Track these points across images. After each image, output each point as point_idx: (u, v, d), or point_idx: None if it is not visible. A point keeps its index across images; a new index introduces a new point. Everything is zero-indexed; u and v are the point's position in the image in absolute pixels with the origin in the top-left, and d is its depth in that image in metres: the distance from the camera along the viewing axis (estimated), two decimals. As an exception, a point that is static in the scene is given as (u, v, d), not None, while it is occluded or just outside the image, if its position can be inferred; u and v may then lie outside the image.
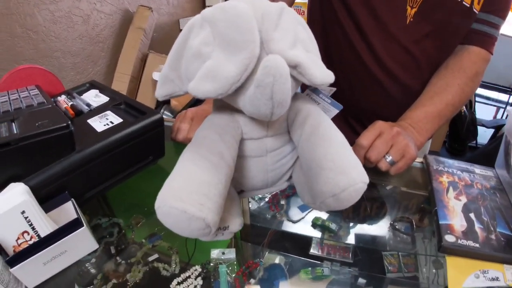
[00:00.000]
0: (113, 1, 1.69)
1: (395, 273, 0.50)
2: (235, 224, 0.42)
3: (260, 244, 0.55)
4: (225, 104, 0.42)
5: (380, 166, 0.58)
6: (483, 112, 2.60)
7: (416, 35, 0.70)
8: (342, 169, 0.36)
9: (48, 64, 1.35)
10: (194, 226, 0.33)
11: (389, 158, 0.57)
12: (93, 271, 0.49)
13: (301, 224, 0.58)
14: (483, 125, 2.37)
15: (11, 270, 0.43)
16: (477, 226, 0.51)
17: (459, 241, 0.49)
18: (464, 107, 2.26)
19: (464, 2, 0.66)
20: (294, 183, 0.49)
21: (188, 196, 0.33)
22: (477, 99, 2.55)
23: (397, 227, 0.57)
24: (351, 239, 0.56)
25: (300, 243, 0.56)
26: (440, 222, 0.51)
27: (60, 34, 1.37)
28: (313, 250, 0.53)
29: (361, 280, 0.49)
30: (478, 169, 0.64)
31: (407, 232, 0.56)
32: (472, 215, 0.53)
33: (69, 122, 0.49)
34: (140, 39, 1.82)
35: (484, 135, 2.54)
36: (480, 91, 2.73)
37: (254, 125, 0.41)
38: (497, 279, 0.47)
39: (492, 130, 2.39)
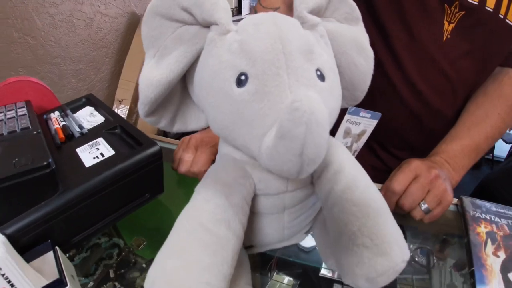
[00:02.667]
0: (118, 3, 1.62)
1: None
2: None
3: (265, 272, 0.48)
4: (233, 152, 0.34)
5: (414, 215, 0.50)
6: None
7: (453, 54, 0.61)
8: (382, 249, 0.28)
9: (47, 71, 1.28)
10: None
11: (424, 206, 0.49)
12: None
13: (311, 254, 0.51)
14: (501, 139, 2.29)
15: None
16: (515, 289, 0.45)
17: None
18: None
19: (507, 20, 0.58)
20: (314, 239, 0.42)
21: (183, 285, 0.25)
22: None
23: (416, 259, 0.52)
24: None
25: (310, 270, 0.49)
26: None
27: (61, 39, 1.31)
28: (323, 272, 0.48)
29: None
30: (516, 214, 0.56)
31: (426, 265, 0.52)
32: (510, 276, 0.47)
33: (50, 160, 0.42)
34: (145, 44, 1.75)
35: (500, 147, 2.50)
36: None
37: (270, 181, 0.33)
38: None
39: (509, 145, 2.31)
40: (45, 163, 0.42)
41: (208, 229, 0.28)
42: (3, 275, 0.39)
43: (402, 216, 0.53)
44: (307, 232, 0.43)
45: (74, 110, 0.70)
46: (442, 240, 0.57)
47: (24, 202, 0.43)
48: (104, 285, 0.47)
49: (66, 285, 0.41)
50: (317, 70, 0.28)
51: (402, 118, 0.70)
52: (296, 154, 0.23)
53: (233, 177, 0.32)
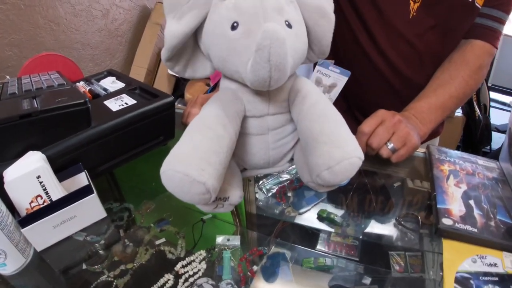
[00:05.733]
0: (131, -3, 1.74)
1: (401, 273, 0.49)
2: (235, 196, 0.44)
3: (264, 233, 0.55)
4: (230, 84, 0.44)
5: (381, 153, 0.59)
6: (498, 117, 2.55)
7: (419, 29, 0.71)
8: (337, 143, 0.38)
9: (67, 55, 1.38)
10: (195, 190, 0.35)
11: (390, 145, 0.58)
12: (101, 252, 0.50)
13: (307, 216, 0.58)
14: (497, 130, 2.32)
15: (22, 230, 0.45)
16: (476, 212, 0.51)
17: (456, 225, 0.49)
18: (478, 111, 2.22)
19: None
20: (295, 164, 0.51)
21: (190, 161, 0.35)
22: (492, 104, 2.50)
23: (402, 222, 0.56)
24: (356, 233, 0.55)
25: (306, 236, 0.56)
26: (438, 206, 0.52)
27: (80, 26, 1.43)
28: (319, 247, 0.53)
29: (366, 278, 0.48)
30: (482, 161, 0.64)
31: (412, 228, 0.55)
32: (471, 202, 0.54)
33: (87, 99, 0.52)
34: (157, 35, 1.87)
35: (498, 141, 2.47)
36: (495, 96, 2.68)
37: (256, 102, 0.44)
38: (495, 265, 0.46)
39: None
40: (82, 100, 0.52)
41: (210, 127, 0.39)
42: (41, 182, 0.47)
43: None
44: (290, 161, 0.53)
45: (98, 81, 0.80)
46: (426, 206, 0.60)
47: (62, 131, 0.52)
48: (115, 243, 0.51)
49: (93, 192, 0.50)
50: (286, 21, 0.39)
51: (378, 86, 0.79)
52: (266, 60, 0.35)
53: (229, 97, 0.43)
